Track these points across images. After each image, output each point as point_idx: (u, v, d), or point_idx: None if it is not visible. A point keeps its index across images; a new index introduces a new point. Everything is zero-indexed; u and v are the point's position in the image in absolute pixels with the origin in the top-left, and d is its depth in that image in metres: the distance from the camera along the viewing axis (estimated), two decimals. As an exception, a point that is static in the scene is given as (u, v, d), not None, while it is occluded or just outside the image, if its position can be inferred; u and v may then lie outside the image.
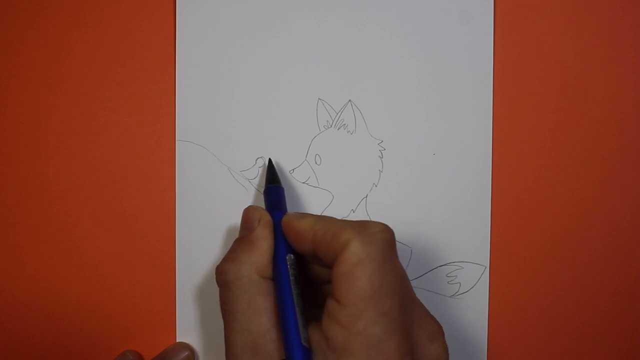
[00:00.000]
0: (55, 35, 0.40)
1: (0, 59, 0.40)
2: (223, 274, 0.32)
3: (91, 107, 0.40)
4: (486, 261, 0.39)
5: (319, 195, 0.39)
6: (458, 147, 0.39)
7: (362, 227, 0.30)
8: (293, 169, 0.39)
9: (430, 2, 0.39)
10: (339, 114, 0.39)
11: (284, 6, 0.39)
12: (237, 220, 0.36)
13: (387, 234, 0.30)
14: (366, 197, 0.39)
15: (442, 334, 0.32)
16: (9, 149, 0.40)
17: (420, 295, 0.39)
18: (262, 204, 0.36)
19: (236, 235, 0.35)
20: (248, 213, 0.34)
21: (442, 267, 0.39)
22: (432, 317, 0.32)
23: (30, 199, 0.40)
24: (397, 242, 0.39)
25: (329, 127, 0.39)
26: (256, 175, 0.39)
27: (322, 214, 0.36)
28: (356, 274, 0.29)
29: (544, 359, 0.39)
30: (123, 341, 0.40)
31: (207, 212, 0.39)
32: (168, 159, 0.39)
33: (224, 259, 0.33)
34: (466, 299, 0.39)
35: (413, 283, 0.39)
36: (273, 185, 0.36)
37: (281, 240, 0.32)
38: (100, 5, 0.40)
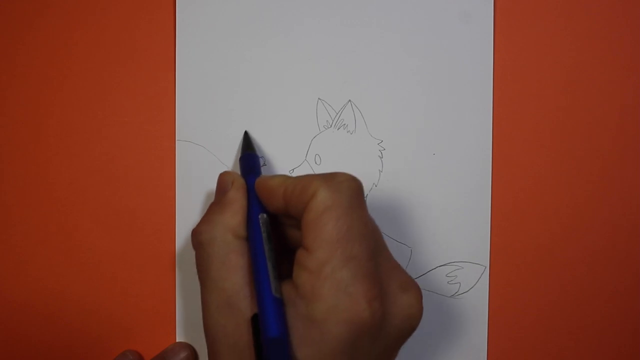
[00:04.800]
0: (55, 35, 0.40)
1: (0, 59, 0.40)
2: (197, 235, 0.32)
3: (91, 107, 0.40)
4: (486, 261, 0.39)
5: (319, 195, 0.39)
6: (458, 147, 0.39)
7: (330, 177, 0.31)
8: (293, 169, 0.39)
9: (430, 2, 0.39)
10: (339, 114, 0.39)
11: (284, 6, 0.39)
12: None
13: (353, 182, 0.31)
14: (366, 197, 0.39)
15: (417, 287, 0.31)
16: (9, 149, 0.40)
17: (420, 295, 0.39)
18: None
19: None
20: (222, 177, 0.35)
21: (442, 267, 0.39)
22: (404, 272, 0.32)
23: (30, 199, 0.40)
24: (397, 242, 0.39)
25: (328, 127, 0.39)
26: (256, 175, 0.39)
27: None
28: (323, 220, 0.29)
29: (543, 359, 0.39)
30: (123, 341, 0.40)
31: (207, 212, 0.39)
32: (168, 159, 0.39)
33: (199, 222, 0.33)
34: (466, 299, 0.39)
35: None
36: (247, 152, 0.37)
37: (255, 202, 0.33)
38: (100, 5, 0.40)
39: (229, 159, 0.39)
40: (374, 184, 0.39)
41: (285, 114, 0.39)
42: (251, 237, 0.32)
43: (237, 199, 0.33)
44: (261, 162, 0.39)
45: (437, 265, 0.39)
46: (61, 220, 0.40)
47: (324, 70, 0.39)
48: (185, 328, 0.39)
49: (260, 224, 0.32)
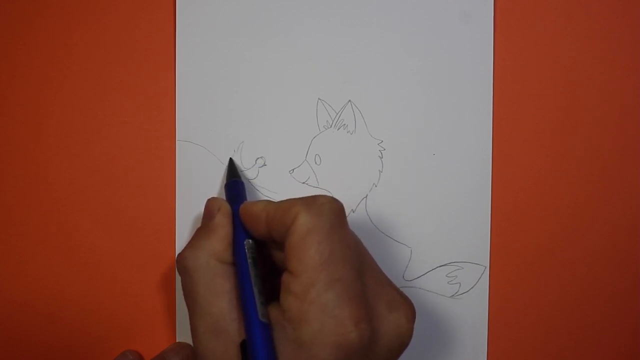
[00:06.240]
0: (55, 35, 0.40)
1: (0, 59, 0.40)
2: (182, 260, 0.33)
3: (91, 107, 0.40)
4: (486, 261, 0.39)
5: (319, 195, 0.39)
6: (458, 147, 0.39)
7: (310, 200, 0.31)
8: (293, 169, 0.39)
9: (430, 2, 0.39)
10: (339, 114, 0.39)
11: (284, 6, 0.39)
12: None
13: (334, 204, 0.31)
14: (366, 197, 0.39)
15: (406, 305, 0.31)
16: (9, 149, 0.40)
17: (420, 295, 0.39)
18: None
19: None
20: (208, 204, 0.35)
21: (442, 267, 0.39)
22: (395, 288, 0.32)
23: (30, 199, 0.40)
24: (397, 242, 0.39)
25: (328, 127, 0.39)
26: (256, 175, 0.39)
27: None
28: (306, 244, 0.29)
29: (543, 359, 0.39)
30: (123, 341, 0.40)
31: (207, 212, 0.39)
32: (168, 159, 0.39)
33: (184, 247, 0.33)
34: (466, 299, 0.39)
35: (413, 283, 0.39)
36: (232, 180, 0.37)
37: (240, 228, 0.33)
38: (100, 5, 0.40)
39: (228, 159, 0.39)
40: (374, 184, 0.39)
41: (285, 114, 0.39)
42: (237, 262, 0.32)
43: (223, 224, 0.33)
44: (260, 162, 0.39)
45: (437, 265, 0.39)
46: (61, 220, 0.40)
47: (324, 70, 0.39)
48: (185, 328, 0.39)
49: (246, 250, 0.32)
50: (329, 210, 0.30)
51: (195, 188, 0.39)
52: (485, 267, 0.39)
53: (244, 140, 0.39)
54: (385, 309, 0.31)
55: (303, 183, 0.39)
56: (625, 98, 0.38)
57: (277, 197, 0.39)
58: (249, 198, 0.39)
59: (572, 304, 0.39)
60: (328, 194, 0.32)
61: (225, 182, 0.38)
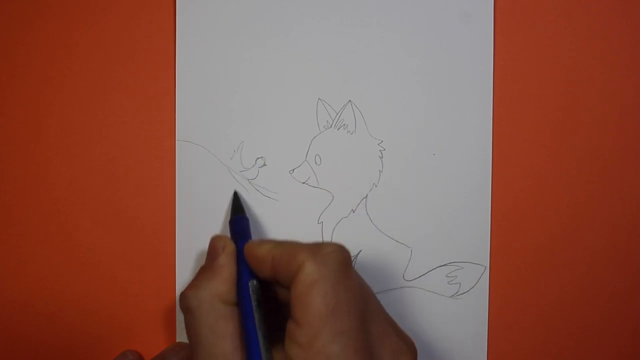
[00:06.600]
0: (55, 35, 0.40)
1: (0, 59, 0.40)
2: (185, 300, 0.33)
3: (91, 107, 0.40)
4: (486, 261, 0.39)
5: (319, 195, 0.39)
6: (458, 147, 0.39)
7: (316, 248, 0.31)
8: (293, 169, 0.39)
9: (430, 2, 0.39)
10: (339, 114, 0.39)
11: (284, 6, 0.39)
12: (237, 220, 0.36)
13: (340, 253, 0.31)
14: (366, 197, 0.39)
15: (408, 353, 0.32)
16: (9, 149, 0.40)
17: (420, 295, 0.39)
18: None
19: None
20: (213, 242, 0.35)
21: (442, 267, 0.39)
22: (400, 336, 0.32)
23: (30, 199, 0.40)
24: (397, 242, 0.39)
25: (329, 127, 0.39)
26: (256, 175, 0.39)
27: (288, 241, 0.35)
28: (311, 295, 0.29)
29: (543, 359, 0.39)
30: (123, 341, 0.40)
31: (207, 212, 0.39)
32: (168, 159, 0.39)
33: (187, 286, 0.33)
34: (466, 299, 0.39)
35: (413, 283, 0.39)
36: (238, 216, 0.37)
37: (244, 268, 0.33)
38: (100, 5, 0.40)
39: (229, 159, 0.39)
40: (374, 184, 0.39)
41: (285, 114, 0.39)
42: (241, 304, 0.32)
43: (227, 265, 0.33)
44: (260, 162, 0.39)
45: (437, 265, 0.39)
46: (61, 220, 0.40)
47: (324, 70, 0.39)
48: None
49: (250, 291, 0.32)
50: (335, 260, 0.30)
51: (195, 188, 0.39)
52: (485, 267, 0.39)
53: (244, 140, 0.39)
54: (389, 358, 0.31)
55: (303, 183, 0.39)
56: (625, 98, 0.38)
57: (277, 198, 0.39)
58: (249, 200, 0.39)
59: (572, 304, 0.39)
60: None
61: (229, 216, 0.38)
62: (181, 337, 0.39)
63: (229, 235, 0.36)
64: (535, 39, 0.39)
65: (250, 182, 0.39)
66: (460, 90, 0.38)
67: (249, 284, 0.32)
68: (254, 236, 0.37)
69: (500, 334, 0.39)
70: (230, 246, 0.34)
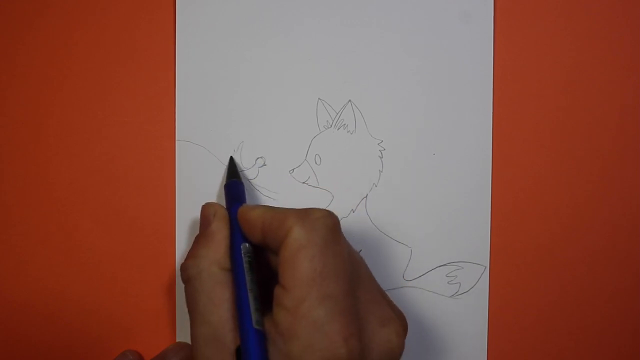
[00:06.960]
0: (55, 35, 0.40)
1: (0, 59, 0.40)
2: (185, 271, 0.33)
3: (91, 107, 0.40)
4: (486, 261, 0.39)
5: (319, 195, 0.39)
6: (458, 147, 0.39)
7: (305, 213, 0.31)
8: (293, 169, 0.39)
9: (430, 2, 0.39)
10: (339, 114, 0.39)
11: (284, 6, 0.39)
12: (237, 220, 0.36)
13: (329, 219, 0.31)
14: (366, 197, 0.39)
15: (398, 320, 0.31)
16: (9, 149, 0.40)
17: (420, 295, 0.39)
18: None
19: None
20: (204, 210, 0.35)
21: (442, 267, 0.39)
22: (390, 305, 0.32)
23: (30, 199, 0.40)
24: (397, 242, 0.39)
25: (328, 127, 0.39)
26: (256, 175, 0.39)
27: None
28: (298, 259, 0.29)
29: (543, 359, 0.39)
30: (123, 341, 0.40)
31: (207, 212, 0.39)
32: (168, 159, 0.39)
33: (186, 256, 0.33)
34: (466, 299, 0.39)
35: (413, 283, 0.39)
36: (233, 180, 0.37)
37: (237, 231, 0.33)
38: (100, 5, 0.40)
39: (228, 159, 0.39)
40: (374, 184, 0.39)
41: (285, 114, 0.39)
42: (234, 268, 0.32)
43: (220, 230, 0.33)
44: (260, 162, 0.39)
45: (437, 265, 0.39)
46: (61, 220, 0.40)
47: (324, 70, 0.39)
48: (186, 328, 0.39)
49: (242, 254, 0.32)
50: (323, 225, 0.30)
51: (195, 188, 0.39)
52: (485, 267, 0.39)
53: (244, 140, 0.39)
54: (376, 325, 0.31)
55: (303, 183, 0.39)
56: (625, 98, 0.38)
57: (277, 198, 0.39)
58: (249, 199, 0.39)
59: (572, 304, 0.39)
60: (324, 207, 0.32)
61: (225, 181, 0.38)
62: (181, 337, 0.39)
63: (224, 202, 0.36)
64: (535, 39, 0.39)
65: (250, 182, 0.39)
66: (460, 90, 0.38)
67: (241, 246, 0.32)
68: None
69: (500, 334, 0.39)
70: (221, 211, 0.34)
